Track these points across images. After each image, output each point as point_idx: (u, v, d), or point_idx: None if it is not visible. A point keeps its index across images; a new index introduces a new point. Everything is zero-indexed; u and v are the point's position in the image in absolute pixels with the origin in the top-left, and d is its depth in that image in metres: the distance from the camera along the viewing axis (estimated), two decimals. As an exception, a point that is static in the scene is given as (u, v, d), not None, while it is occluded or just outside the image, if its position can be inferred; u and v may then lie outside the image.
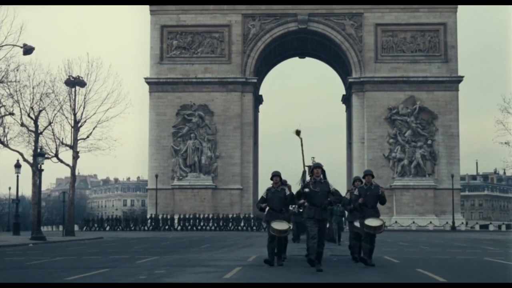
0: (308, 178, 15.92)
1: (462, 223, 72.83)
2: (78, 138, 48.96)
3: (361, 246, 17.23)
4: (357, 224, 17.52)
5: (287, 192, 16.97)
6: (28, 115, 44.61)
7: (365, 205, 16.49)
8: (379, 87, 71.91)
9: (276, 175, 16.96)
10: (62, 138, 48.33)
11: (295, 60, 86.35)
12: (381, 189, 16.75)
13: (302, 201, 15.53)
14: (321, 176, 15.47)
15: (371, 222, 16.20)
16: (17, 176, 48.29)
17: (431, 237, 41.84)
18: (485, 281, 13.38)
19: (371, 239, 16.54)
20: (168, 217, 68.87)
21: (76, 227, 61.51)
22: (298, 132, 16.95)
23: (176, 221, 68.45)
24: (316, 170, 15.36)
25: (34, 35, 53.99)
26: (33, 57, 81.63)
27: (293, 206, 30.64)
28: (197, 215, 68.21)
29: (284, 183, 17.41)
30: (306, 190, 15.34)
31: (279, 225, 16.35)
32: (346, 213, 21.12)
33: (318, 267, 14.85)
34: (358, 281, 13.38)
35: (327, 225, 21.74)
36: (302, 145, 16.74)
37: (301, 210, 23.54)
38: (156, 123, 72.64)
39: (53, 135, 47.61)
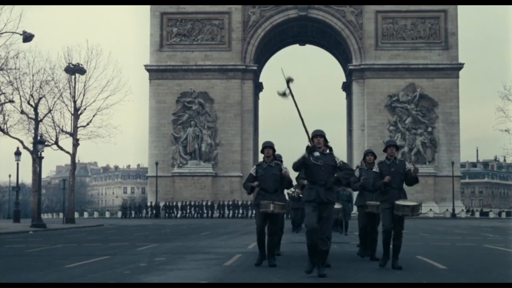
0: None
1: (462, 210, 72.92)
2: (78, 125, 48.94)
3: (373, 240, 14.73)
4: (372, 203, 14.28)
5: (284, 169, 13.27)
6: (28, 103, 44.58)
7: (389, 185, 12.80)
8: (380, 74, 71.79)
9: (268, 146, 13.22)
10: (62, 126, 48.35)
11: (295, 47, 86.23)
12: (412, 167, 13.05)
13: (305, 181, 11.99)
14: (324, 146, 11.77)
15: (404, 202, 12.69)
16: (17, 164, 48.30)
17: (431, 224, 41.90)
18: (485, 268, 13.39)
19: (398, 233, 12.69)
20: (180, 204, 68.45)
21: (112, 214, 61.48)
22: (289, 81, 11.68)
23: (179, 208, 68.30)
24: (317, 139, 11.63)
25: (33, 22, 53.85)
26: (33, 44, 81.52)
27: (293, 190, 26.76)
28: (197, 203, 68.25)
29: (278, 158, 13.82)
30: (315, 154, 11.48)
31: (272, 205, 12.94)
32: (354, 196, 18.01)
33: (321, 272, 11.26)
34: (359, 278, 11.87)
35: (340, 207, 16.52)
36: (296, 104, 11.77)
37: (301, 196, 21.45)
38: (156, 110, 72.57)
39: (53, 122, 47.63)
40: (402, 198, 12.77)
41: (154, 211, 68.89)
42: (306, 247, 11.37)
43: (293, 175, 13.53)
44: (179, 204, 68.45)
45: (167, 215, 67.97)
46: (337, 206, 14.23)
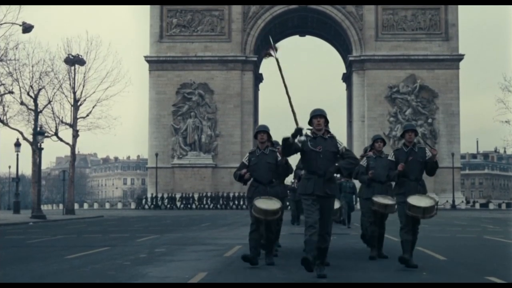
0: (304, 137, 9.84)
1: (462, 201, 72.99)
2: (78, 116, 48.97)
3: (381, 236, 13.06)
4: (378, 199, 12.64)
5: (279, 157, 11.55)
6: (28, 94, 44.57)
7: (406, 175, 11.19)
8: (380, 65, 71.68)
9: (262, 131, 11.67)
10: (62, 117, 48.38)
11: (295, 38, 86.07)
12: (432, 151, 11.33)
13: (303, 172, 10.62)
14: (324, 128, 9.97)
15: (417, 200, 11.00)
16: (17, 155, 48.35)
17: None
18: (485, 259, 13.39)
19: (414, 227, 11.44)
20: (197, 196, 68.22)
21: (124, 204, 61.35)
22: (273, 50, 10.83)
23: (196, 200, 68.04)
24: (317, 120, 9.91)
25: (33, 13, 53.76)
26: (32, 35, 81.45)
27: (292, 180, 25.64)
28: (224, 194, 67.85)
29: (274, 144, 12.12)
30: (300, 138, 9.66)
31: (266, 203, 11.28)
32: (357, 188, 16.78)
33: (320, 272, 9.88)
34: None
35: (338, 207, 13.14)
36: (281, 72, 10.35)
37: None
38: (156, 101, 72.50)
39: (53, 113, 47.66)
40: (420, 192, 11.17)
41: (171, 203, 68.18)
42: (304, 242, 9.79)
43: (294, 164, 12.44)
44: (196, 196, 68.00)
45: (183, 206, 67.47)
46: (336, 204, 11.71)
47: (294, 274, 10.58)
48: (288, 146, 9.66)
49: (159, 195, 68.96)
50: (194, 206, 67.22)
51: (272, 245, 12.07)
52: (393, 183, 12.06)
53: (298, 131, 9.57)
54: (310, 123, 9.94)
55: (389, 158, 11.60)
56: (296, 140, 9.56)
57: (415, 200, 10.99)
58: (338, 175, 19.32)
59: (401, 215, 11.39)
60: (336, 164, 9.84)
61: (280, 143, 10.13)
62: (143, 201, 71.12)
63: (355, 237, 18.80)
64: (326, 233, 9.92)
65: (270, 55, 10.70)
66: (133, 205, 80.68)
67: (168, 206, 67.82)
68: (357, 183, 23.74)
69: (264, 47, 10.32)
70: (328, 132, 10.11)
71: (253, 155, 11.69)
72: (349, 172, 10.99)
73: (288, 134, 9.64)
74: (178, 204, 67.85)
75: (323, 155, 9.78)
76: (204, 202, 67.73)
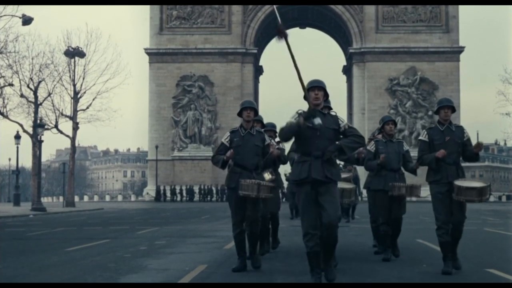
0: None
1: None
2: (78, 109, 48.99)
3: (395, 233, 11.32)
4: (400, 184, 11.08)
5: (269, 140, 9.99)
6: (28, 86, 44.57)
7: (442, 159, 9.43)
8: (380, 57, 71.61)
9: (248, 107, 9.82)
10: (62, 109, 48.42)
11: (295, 31, 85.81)
12: (476, 147, 9.71)
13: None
14: (323, 102, 8.25)
15: (467, 182, 9.34)
16: (17, 147, 48.39)
17: (431, 208, 41.83)
18: (485, 251, 13.39)
19: (459, 223, 9.52)
20: (215, 189, 68.04)
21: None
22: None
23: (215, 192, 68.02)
24: (315, 92, 8.13)
25: (32, 5, 53.62)
26: (32, 28, 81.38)
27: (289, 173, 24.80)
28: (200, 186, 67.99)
29: (270, 127, 11.17)
30: (316, 121, 7.85)
31: (256, 187, 9.35)
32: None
33: (331, 275, 8.31)
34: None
35: (352, 187, 11.51)
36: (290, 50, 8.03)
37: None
38: (156, 94, 72.47)
39: (53, 106, 47.71)
40: (461, 177, 9.45)
41: (188, 195, 68.10)
42: (306, 255, 8.09)
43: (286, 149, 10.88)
44: (214, 189, 67.69)
45: (200, 198, 67.54)
46: (347, 185, 11.00)
47: (295, 266, 10.56)
48: (295, 132, 7.92)
49: (177, 188, 68.63)
50: (214, 198, 67.03)
51: (256, 244, 10.13)
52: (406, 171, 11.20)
53: (312, 113, 7.91)
54: (306, 97, 8.14)
55: (421, 138, 9.81)
56: (316, 123, 7.83)
57: (464, 182, 9.28)
58: (342, 163, 17.48)
59: (438, 209, 9.53)
60: (337, 143, 8.05)
61: (276, 126, 9.08)
62: (161, 193, 70.46)
63: (354, 229, 18.78)
64: (330, 232, 7.95)
65: (282, 33, 7.98)
66: (133, 198, 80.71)
67: (186, 198, 67.40)
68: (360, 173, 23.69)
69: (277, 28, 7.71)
70: (329, 108, 8.89)
71: (236, 135, 9.75)
72: (354, 150, 8.53)
73: (291, 118, 8.02)
74: (197, 196, 67.65)
75: (321, 132, 7.95)
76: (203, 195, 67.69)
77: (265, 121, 11.74)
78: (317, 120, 7.84)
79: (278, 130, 8.28)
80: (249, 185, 9.29)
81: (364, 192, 12.47)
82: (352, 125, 8.41)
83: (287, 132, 7.95)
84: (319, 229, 7.92)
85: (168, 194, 68.44)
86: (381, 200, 11.32)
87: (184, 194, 67.91)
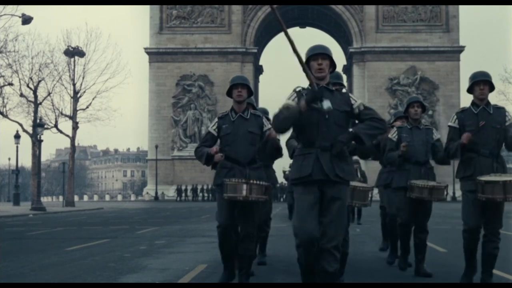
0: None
1: (462, 193, 72.96)
2: (78, 108, 48.98)
3: (419, 243, 8.81)
4: (418, 182, 8.52)
5: (268, 125, 7.48)
6: (27, 86, 44.59)
7: (475, 150, 7.31)
8: (380, 57, 71.64)
9: (239, 83, 7.50)
10: (62, 109, 48.44)
11: (295, 30, 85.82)
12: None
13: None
14: (329, 75, 6.00)
15: (492, 176, 7.22)
16: (17, 147, 48.39)
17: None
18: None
19: (493, 230, 7.59)
20: (203, 187, 68.09)
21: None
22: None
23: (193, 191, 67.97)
24: (318, 62, 5.92)
25: (32, 4, 53.66)
26: (32, 27, 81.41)
27: (290, 168, 22.77)
28: (199, 186, 67.97)
29: (262, 113, 8.10)
30: (325, 103, 5.70)
31: (245, 187, 7.16)
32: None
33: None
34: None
35: (369, 187, 8.39)
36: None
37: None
38: (156, 93, 72.50)
39: (53, 105, 47.74)
40: (499, 172, 7.30)
41: (210, 194, 67.92)
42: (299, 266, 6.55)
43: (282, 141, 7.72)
44: (198, 188, 67.64)
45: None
46: (360, 184, 8.23)
47: (295, 266, 10.53)
48: (295, 119, 5.72)
49: (199, 187, 68.45)
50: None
51: (249, 262, 8.05)
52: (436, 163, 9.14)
53: (318, 93, 5.75)
54: (305, 70, 5.87)
55: (450, 123, 7.71)
56: (325, 107, 5.70)
57: (490, 177, 7.21)
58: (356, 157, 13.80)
59: (466, 212, 7.52)
60: (351, 130, 5.88)
61: (268, 112, 7.38)
62: (183, 192, 70.05)
63: (356, 233, 18.72)
64: (333, 246, 5.93)
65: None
66: (133, 197, 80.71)
67: (207, 197, 67.22)
68: (371, 167, 23.38)
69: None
70: (340, 84, 6.98)
71: (225, 121, 7.63)
72: (374, 138, 6.16)
73: (290, 101, 5.80)
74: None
75: (329, 115, 5.79)
76: (203, 194, 67.76)
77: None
78: (327, 104, 5.72)
79: (271, 117, 6.18)
80: (235, 184, 7.17)
81: (375, 191, 9.44)
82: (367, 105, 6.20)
83: (284, 120, 5.73)
84: (318, 240, 5.93)
85: (190, 193, 68.36)
86: (402, 200, 8.94)
87: (205, 193, 67.65)
